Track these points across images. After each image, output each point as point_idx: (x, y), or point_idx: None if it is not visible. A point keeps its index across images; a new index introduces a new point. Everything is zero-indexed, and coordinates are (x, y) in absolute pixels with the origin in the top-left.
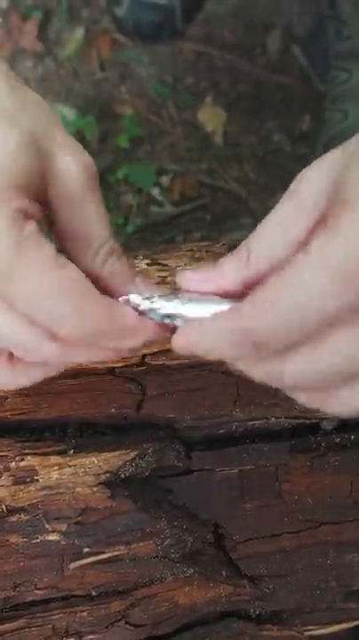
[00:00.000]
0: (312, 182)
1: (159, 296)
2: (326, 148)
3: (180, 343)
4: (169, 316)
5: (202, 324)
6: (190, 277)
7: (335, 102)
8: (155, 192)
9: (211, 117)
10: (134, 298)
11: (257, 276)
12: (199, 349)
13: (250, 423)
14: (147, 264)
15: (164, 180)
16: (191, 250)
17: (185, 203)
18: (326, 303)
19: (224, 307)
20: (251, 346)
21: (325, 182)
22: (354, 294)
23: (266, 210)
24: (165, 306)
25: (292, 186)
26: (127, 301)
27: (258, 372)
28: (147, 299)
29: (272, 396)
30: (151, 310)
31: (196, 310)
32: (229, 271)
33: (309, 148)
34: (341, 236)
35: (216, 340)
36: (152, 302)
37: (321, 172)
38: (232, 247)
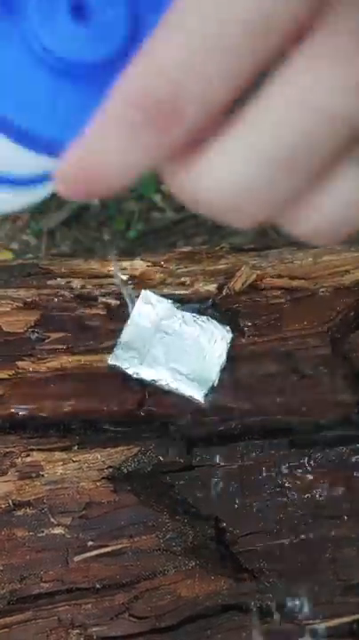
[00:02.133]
0: None
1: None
2: None
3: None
4: (154, 380)
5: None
6: None
7: None
8: (157, 198)
9: None
10: (122, 363)
11: None
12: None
13: (249, 420)
14: (148, 266)
15: (166, 186)
16: (191, 252)
17: (186, 208)
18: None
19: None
20: (154, 113)
21: None
22: None
23: None
24: (149, 373)
25: None
26: (114, 367)
27: (175, 179)
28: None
29: (272, 392)
30: (136, 374)
31: (179, 380)
32: None
33: None
34: None
35: (107, 123)
36: (137, 371)
37: None
38: (233, 250)
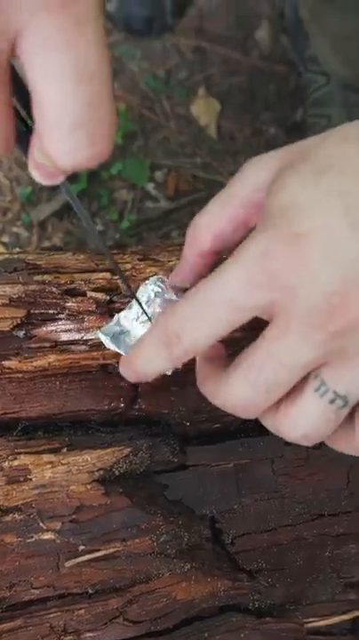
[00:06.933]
0: (249, 177)
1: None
2: None
3: (123, 369)
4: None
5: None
6: (174, 280)
7: (317, 106)
8: (150, 187)
9: (204, 110)
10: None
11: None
12: (137, 366)
13: None
14: (139, 259)
15: (159, 174)
16: (183, 244)
17: (180, 197)
18: (235, 298)
19: None
20: (172, 343)
21: (261, 179)
22: (263, 299)
23: None
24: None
25: (236, 175)
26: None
27: (205, 391)
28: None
29: None
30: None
31: None
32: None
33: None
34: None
35: (146, 349)
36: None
37: (260, 168)
38: None
